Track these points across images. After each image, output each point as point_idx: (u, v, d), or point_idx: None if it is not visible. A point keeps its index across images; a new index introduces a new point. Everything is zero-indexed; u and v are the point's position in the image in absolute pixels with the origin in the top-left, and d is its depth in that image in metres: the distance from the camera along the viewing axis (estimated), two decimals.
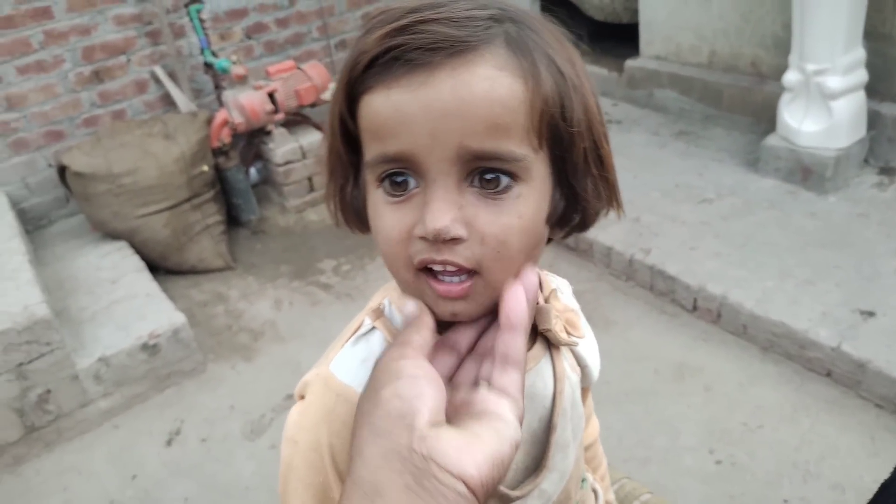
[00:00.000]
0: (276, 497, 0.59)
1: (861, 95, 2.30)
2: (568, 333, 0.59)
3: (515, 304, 0.47)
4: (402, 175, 0.48)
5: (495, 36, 0.47)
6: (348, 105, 0.50)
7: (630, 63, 3.14)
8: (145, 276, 2.39)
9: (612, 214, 0.58)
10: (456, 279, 0.49)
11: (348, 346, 0.57)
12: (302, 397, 0.57)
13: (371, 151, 0.49)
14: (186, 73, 2.95)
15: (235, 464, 1.89)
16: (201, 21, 2.92)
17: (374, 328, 0.57)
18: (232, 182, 2.84)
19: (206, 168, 2.66)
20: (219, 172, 2.78)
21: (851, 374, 1.77)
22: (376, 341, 0.56)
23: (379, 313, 0.58)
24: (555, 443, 0.58)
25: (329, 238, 2.81)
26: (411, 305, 0.51)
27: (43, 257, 2.54)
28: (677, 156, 2.74)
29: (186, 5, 2.89)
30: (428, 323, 0.49)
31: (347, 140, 0.52)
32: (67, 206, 2.84)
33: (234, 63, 2.83)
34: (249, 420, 2.02)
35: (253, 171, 3.07)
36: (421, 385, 0.43)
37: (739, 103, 2.76)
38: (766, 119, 2.60)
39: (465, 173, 0.47)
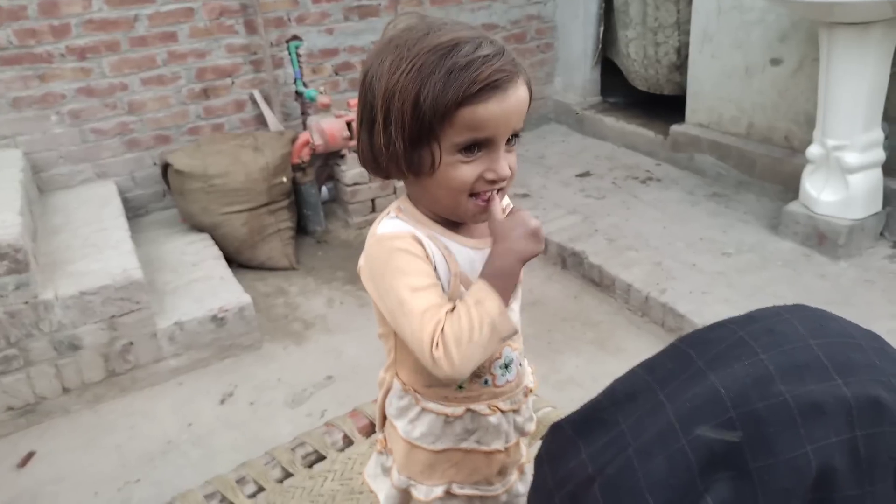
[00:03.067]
0: None
1: (878, 172, 2.51)
2: None
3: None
4: (473, 146, 0.81)
5: (518, 64, 0.82)
6: (443, 113, 0.77)
7: (675, 128, 3.41)
8: (221, 264, 2.76)
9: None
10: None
11: (384, 223, 0.89)
12: None
13: (462, 136, 0.79)
14: (279, 99, 3.39)
15: (276, 425, 2.18)
16: (298, 56, 3.37)
17: (396, 217, 0.89)
18: (305, 195, 3.22)
19: (284, 180, 3.05)
20: (295, 185, 3.16)
21: None
22: (398, 221, 0.89)
23: (399, 211, 0.90)
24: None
25: None
26: None
27: (138, 240, 2.93)
28: (707, 214, 2.98)
29: (287, 41, 3.35)
30: None
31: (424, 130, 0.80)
32: (163, 200, 3.27)
33: (320, 94, 3.25)
34: (292, 392, 2.32)
35: (325, 188, 3.45)
36: None
37: (770, 172, 2.99)
38: (793, 188, 2.80)
39: (506, 140, 0.83)
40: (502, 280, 0.82)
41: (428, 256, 0.85)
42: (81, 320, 2.21)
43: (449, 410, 0.94)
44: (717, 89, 3.20)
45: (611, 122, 3.81)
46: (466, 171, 0.81)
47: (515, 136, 0.84)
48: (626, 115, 3.83)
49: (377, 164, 0.86)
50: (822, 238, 2.57)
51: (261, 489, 1.30)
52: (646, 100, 3.92)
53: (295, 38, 3.36)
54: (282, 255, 3.06)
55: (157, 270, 2.69)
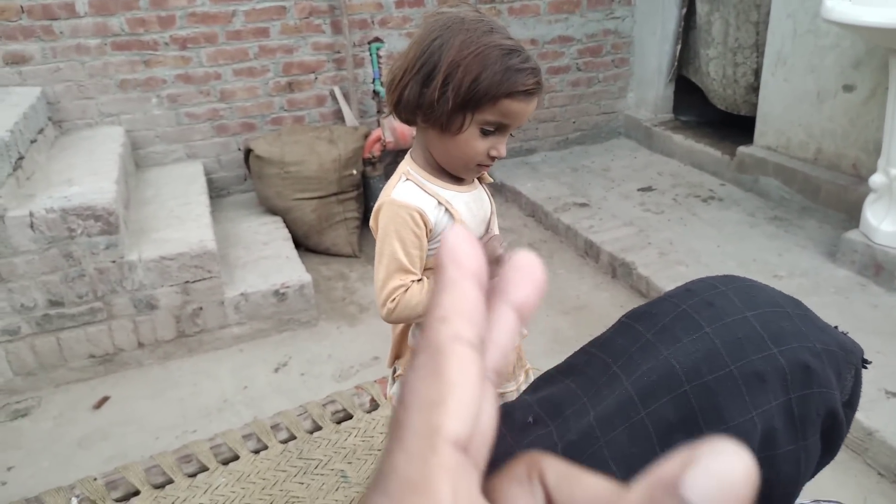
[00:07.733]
0: None
1: None
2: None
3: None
4: (492, 127, 1.04)
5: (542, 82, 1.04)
6: (493, 96, 1.00)
7: (742, 149, 3.40)
8: (289, 245, 2.97)
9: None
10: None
11: (399, 187, 1.09)
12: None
13: (493, 117, 1.02)
14: (357, 96, 3.59)
15: (322, 395, 2.35)
16: (378, 57, 3.56)
17: (408, 180, 1.09)
18: (373, 188, 3.39)
19: (354, 172, 3.23)
20: (364, 178, 3.34)
21: (860, 441, 1.94)
22: (410, 185, 1.09)
23: (408, 175, 1.10)
24: (494, 222, 1.19)
25: None
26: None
27: (217, 217, 3.19)
28: (765, 236, 2.96)
29: (369, 43, 3.54)
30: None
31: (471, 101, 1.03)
32: (244, 183, 3.52)
33: None
34: (340, 367, 2.49)
35: None
36: None
37: (835, 199, 2.95)
38: (857, 217, 2.76)
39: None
40: None
41: (428, 228, 1.07)
42: (159, 282, 2.44)
43: None
44: (787, 113, 3.18)
45: (679, 139, 3.82)
46: (481, 144, 1.06)
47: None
48: (695, 134, 3.83)
49: (414, 111, 1.06)
50: (879, 268, 2.53)
51: (292, 437, 1.45)
52: (718, 120, 3.90)
53: (377, 39, 3.55)
54: (346, 243, 3.25)
55: (231, 246, 2.92)
